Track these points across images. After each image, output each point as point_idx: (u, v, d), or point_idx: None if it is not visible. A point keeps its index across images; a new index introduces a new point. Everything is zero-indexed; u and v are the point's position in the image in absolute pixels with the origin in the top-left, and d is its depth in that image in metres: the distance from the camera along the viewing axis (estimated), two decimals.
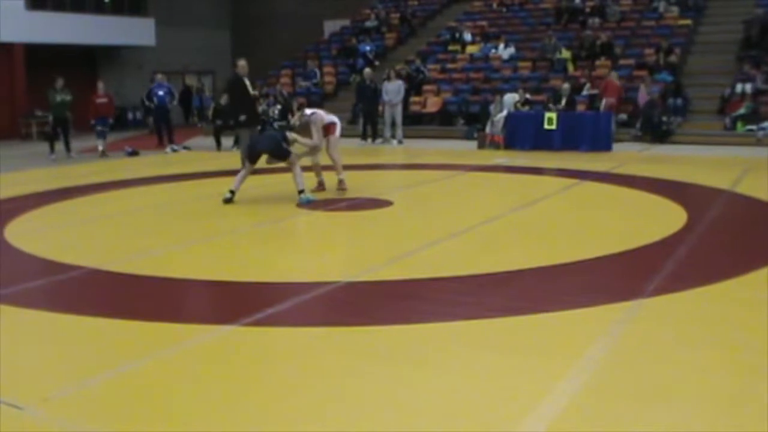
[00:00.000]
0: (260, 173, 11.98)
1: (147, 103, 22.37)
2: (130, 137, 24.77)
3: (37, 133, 25.31)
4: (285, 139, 10.81)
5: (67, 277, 7.13)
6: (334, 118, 11.75)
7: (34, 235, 9.27)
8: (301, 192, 10.64)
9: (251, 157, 10.92)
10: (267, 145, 10.78)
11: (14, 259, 8.01)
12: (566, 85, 19.90)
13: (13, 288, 6.68)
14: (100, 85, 20.55)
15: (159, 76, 22.10)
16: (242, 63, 14.20)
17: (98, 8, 28.81)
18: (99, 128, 19.53)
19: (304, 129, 11.32)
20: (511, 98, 20.21)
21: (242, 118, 13.94)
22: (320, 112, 11.80)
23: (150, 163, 17.60)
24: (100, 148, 19.38)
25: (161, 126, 21.57)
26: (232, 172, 14.50)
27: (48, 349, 5.30)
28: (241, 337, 5.33)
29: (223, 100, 20.96)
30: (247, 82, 14.07)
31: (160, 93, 21.32)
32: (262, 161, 11.04)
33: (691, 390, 4.28)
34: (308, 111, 11.65)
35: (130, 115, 30.32)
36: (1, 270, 7.53)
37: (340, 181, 11.61)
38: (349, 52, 27.99)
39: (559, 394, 4.20)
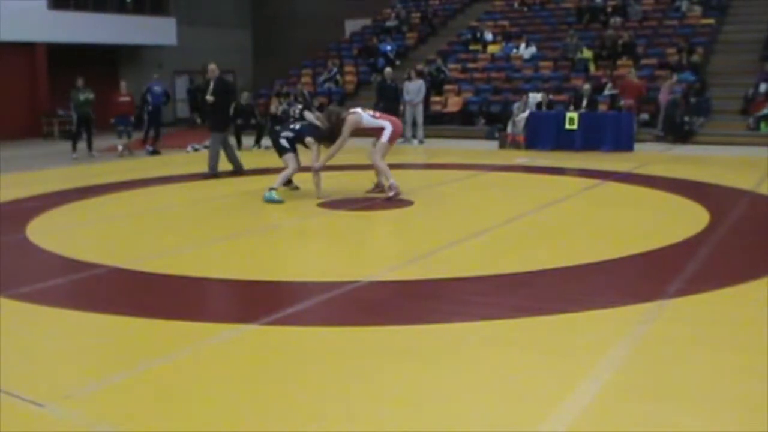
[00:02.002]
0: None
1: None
2: (151, 136, 24.82)
3: (59, 132, 25.45)
4: (295, 137, 11.03)
5: (88, 275, 7.16)
6: (382, 123, 11.08)
7: (56, 233, 9.31)
8: (271, 189, 10.84)
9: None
10: (274, 138, 11.34)
11: (36, 257, 8.05)
12: (587, 86, 19.76)
13: (35, 286, 6.71)
14: (123, 85, 20.63)
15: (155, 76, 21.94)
16: (211, 67, 14.33)
17: (120, 8, 28.93)
18: (120, 127, 19.63)
19: (331, 133, 11.00)
20: (533, 98, 20.16)
21: (198, 121, 14.07)
22: (361, 112, 11.14)
23: (170, 162, 17.65)
24: (120, 147, 19.46)
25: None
26: (252, 171, 14.56)
27: (69, 346, 5.32)
28: (261, 336, 5.33)
29: (244, 98, 20.96)
30: (211, 86, 14.10)
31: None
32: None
33: (714, 392, 4.25)
34: (352, 110, 11.37)
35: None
36: (23, 268, 7.57)
37: (390, 186, 11.00)
38: (370, 51, 28.00)
39: (580, 394, 4.17)
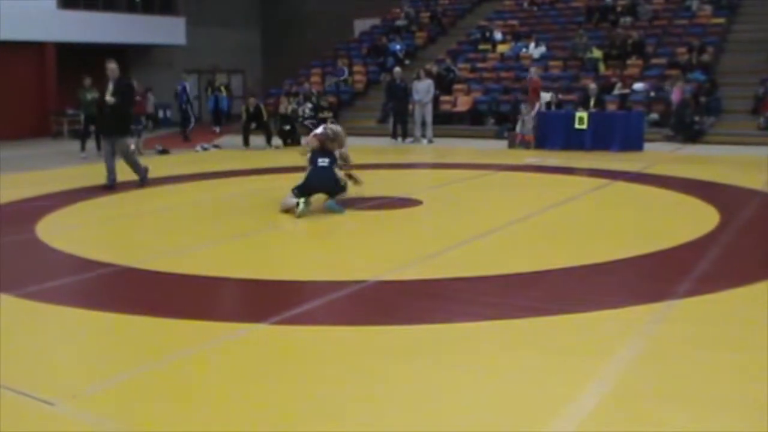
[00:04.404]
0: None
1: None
2: (160, 135, 24.89)
3: (68, 131, 25.49)
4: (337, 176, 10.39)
5: (97, 274, 7.18)
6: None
7: (66, 232, 9.33)
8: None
9: (307, 191, 10.02)
10: (323, 184, 10.18)
11: (46, 256, 8.07)
12: (593, 86, 19.67)
13: (44, 285, 6.73)
14: (135, 84, 20.68)
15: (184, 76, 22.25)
16: (111, 66, 12.83)
17: (129, 7, 28.96)
18: (132, 127, 19.63)
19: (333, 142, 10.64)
20: (542, 98, 20.11)
21: (91, 128, 13.12)
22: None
23: (179, 161, 17.67)
24: (132, 146, 19.48)
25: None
26: (261, 171, 14.60)
27: (78, 345, 5.34)
28: (269, 335, 5.34)
29: (251, 104, 20.92)
30: (110, 87, 12.65)
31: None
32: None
33: (722, 392, 4.23)
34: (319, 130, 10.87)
35: (160, 114, 30.41)
36: (32, 267, 7.60)
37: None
38: (379, 51, 27.98)
39: (588, 395, 4.16)
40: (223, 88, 27.86)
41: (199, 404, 4.21)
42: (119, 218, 10.35)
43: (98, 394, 4.33)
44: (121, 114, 12.76)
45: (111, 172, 12.73)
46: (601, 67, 23.27)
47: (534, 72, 20.88)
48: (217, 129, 25.38)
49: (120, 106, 12.65)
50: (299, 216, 9.69)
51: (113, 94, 12.59)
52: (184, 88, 22.82)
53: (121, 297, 6.50)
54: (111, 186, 12.59)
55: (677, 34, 24.47)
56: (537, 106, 19.87)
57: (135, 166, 13.10)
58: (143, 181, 13.00)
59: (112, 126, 12.82)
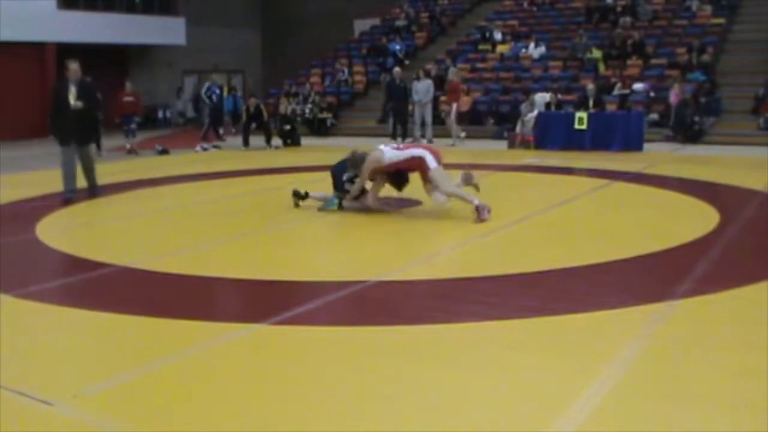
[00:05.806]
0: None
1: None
2: (160, 135, 24.91)
3: None
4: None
5: (97, 274, 7.17)
6: (416, 152, 9.89)
7: (65, 232, 9.34)
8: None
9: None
10: (333, 175, 10.23)
11: (45, 256, 8.07)
12: (591, 86, 19.67)
13: (44, 285, 6.73)
14: (128, 85, 20.83)
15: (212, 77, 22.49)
16: (73, 67, 11.64)
17: (129, 8, 28.96)
18: (125, 127, 19.82)
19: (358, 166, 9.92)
20: (541, 98, 20.11)
21: (52, 134, 11.96)
22: (384, 149, 9.82)
23: (180, 161, 17.68)
24: (127, 146, 19.58)
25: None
26: (261, 171, 14.58)
27: (78, 346, 5.34)
28: (270, 335, 5.33)
29: (252, 104, 20.91)
30: (73, 90, 11.48)
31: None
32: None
33: (722, 392, 4.23)
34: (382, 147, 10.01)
35: (160, 113, 30.45)
36: (32, 267, 7.60)
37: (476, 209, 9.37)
38: (379, 51, 27.98)
39: (590, 395, 4.15)
40: (238, 89, 27.93)
41: (199, 404, 4.20)
42: (119, 218, 10.35)
43: (98, 394, 4.33)
44: (88, 119, 11.81)
45: (72, 180, 11.67)
46: (601, 67, 23.27)
47: (452, 73, 20.97)
48: (222, 131, 25.39)
49: (87, 110, 11.62)
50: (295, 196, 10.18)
51: (78, 98, 11.49)
52: (209, 89, 23.01)
53: (121, 297, 6.50)
54: (71, 199, 11.49)
55: (677, 34, 24.47)
56: (455, 106, 20.38)
57: (92, 175, 12.03)
58: (95, 191, 11.99)
59: (76, 132, 11.62)
